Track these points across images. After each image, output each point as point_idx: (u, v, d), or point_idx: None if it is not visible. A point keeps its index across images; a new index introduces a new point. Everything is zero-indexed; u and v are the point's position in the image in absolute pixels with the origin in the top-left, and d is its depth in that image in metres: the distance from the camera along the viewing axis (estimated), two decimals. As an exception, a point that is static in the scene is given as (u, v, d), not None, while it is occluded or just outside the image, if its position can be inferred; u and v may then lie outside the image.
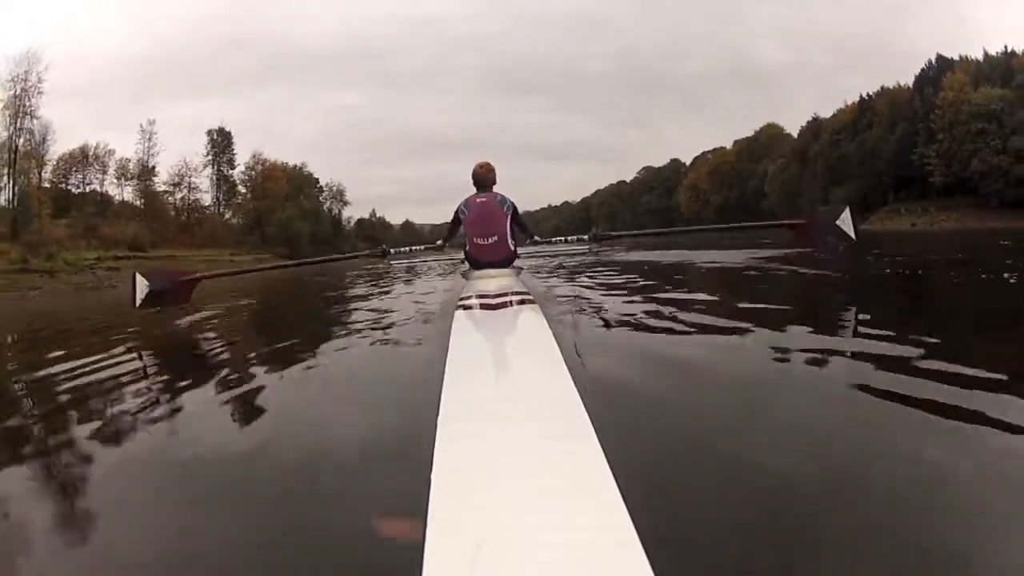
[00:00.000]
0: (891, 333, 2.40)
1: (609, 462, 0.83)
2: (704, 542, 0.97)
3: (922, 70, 43.15)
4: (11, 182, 30.25)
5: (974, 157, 35.48)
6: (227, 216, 44.14)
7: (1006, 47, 40.33)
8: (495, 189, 3.65)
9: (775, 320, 2.83)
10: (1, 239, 24.15)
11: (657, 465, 1.23)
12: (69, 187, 36.66)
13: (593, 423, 0.97)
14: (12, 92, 31.22)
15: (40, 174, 33.20)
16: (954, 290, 4.64)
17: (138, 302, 4.01)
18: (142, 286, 3.97)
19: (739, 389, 1.80)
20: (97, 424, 2.02)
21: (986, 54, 41.38)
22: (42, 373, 3.10)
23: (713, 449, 1.32)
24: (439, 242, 4.18)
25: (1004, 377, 1.81)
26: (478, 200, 3.54)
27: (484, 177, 3.62)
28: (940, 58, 42.94)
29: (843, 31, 77.94)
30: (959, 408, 1.52)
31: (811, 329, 2.56)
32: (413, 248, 4.62)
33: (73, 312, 9.08)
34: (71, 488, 1.52)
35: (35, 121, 32.22)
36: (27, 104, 31.70)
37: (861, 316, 3.08)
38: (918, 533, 0.99)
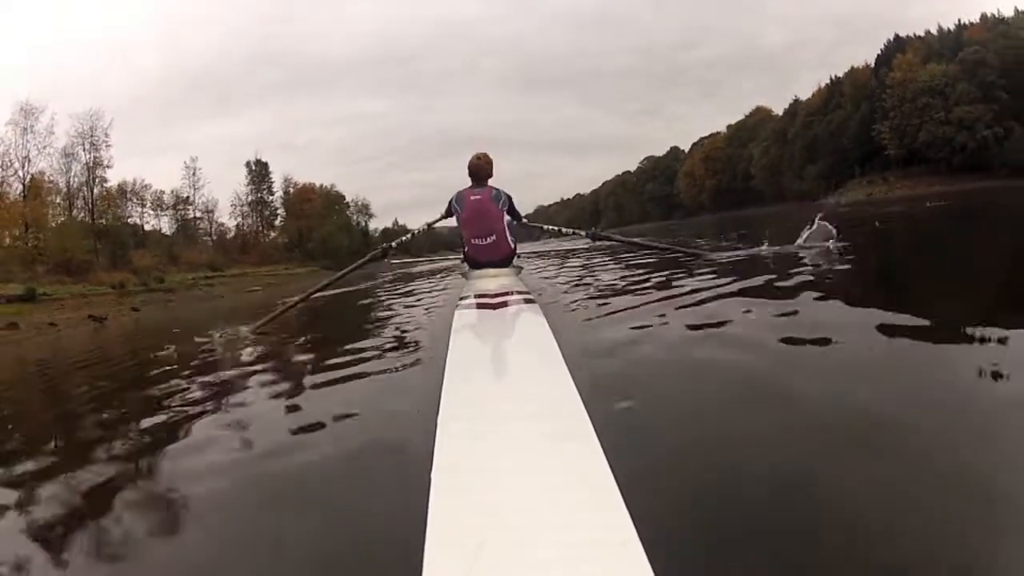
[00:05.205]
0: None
1: (609, 462, 0.84)
2: (705, 542, 0.97)
3: (881, 50, 47.45)
4: (91, 220, 35.35)
5: (920, 130, 39.85)
6: (272, 236, 50.47)
7: (959, 20, 44.23)
8: (491, 183, 3.57)
9: (777, 309, 2.58)
10: (99, 269, 29.42)
11: (657, 465, 1.21)
12: (106, 222, 38.29)
13: (593, 423, 0.98)
14: (82, 146, 36.17)
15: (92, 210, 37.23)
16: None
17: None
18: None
19: (743, 384, 1.70)
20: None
21: (940, 29, 45.41)
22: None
23: (714, 447, 1.30)
24: (424, 226, 4.29)
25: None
26: (472, 197, 3.45)
27: (480, 169, 3.53)
28: (897, 37, 47.10)
29: (846, 8, 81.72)
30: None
31: (811, 321, 2.34)
32: (405, 238, 4.96)
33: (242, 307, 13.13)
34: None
35: (107, 171, 37.30)
36: (97, 156, 36.82)
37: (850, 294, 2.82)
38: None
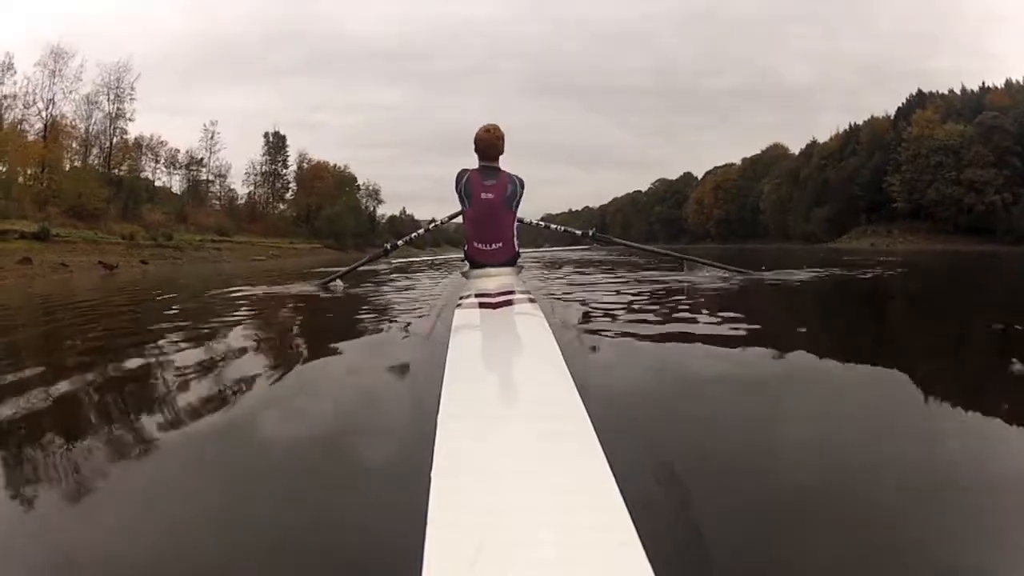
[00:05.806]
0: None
1: (609, 462, 0.84)
2: (705, 542, 0.97)
3: (902, 104, 48.11)
4: (107, 169, 35.87)
5: (930, 187, 40.37)
6: (280, 208, 50.75)
7: (983, 83, 45.10)
8: (503, 165, 3.21)
9: (777, 323, 2.75)
10: (110, 218, 29.72)
11: (657, 465, 1.22)
12: (121, 173, 38.57)
13: (593, 423, 0.98)
14: (106, 96, 36.91)
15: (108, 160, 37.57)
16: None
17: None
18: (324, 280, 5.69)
19: (742, 388, 1.77)
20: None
21: (964, 89, 46.16)
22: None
23: (714, 449, 1.32)
24: (434, 223, 4.51)
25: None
26: (483, 195, 3.12)
27: (492, 146, 3.11)
28: (920, 92, 47.83)
29: (870, 54, 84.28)
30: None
31: (808, 329, 2.54)
32: (413, 235, 5.38)
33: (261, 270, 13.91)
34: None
35: (130, 123, 38.22)
36: (120, 108, 37.64)
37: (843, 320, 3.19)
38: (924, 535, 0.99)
